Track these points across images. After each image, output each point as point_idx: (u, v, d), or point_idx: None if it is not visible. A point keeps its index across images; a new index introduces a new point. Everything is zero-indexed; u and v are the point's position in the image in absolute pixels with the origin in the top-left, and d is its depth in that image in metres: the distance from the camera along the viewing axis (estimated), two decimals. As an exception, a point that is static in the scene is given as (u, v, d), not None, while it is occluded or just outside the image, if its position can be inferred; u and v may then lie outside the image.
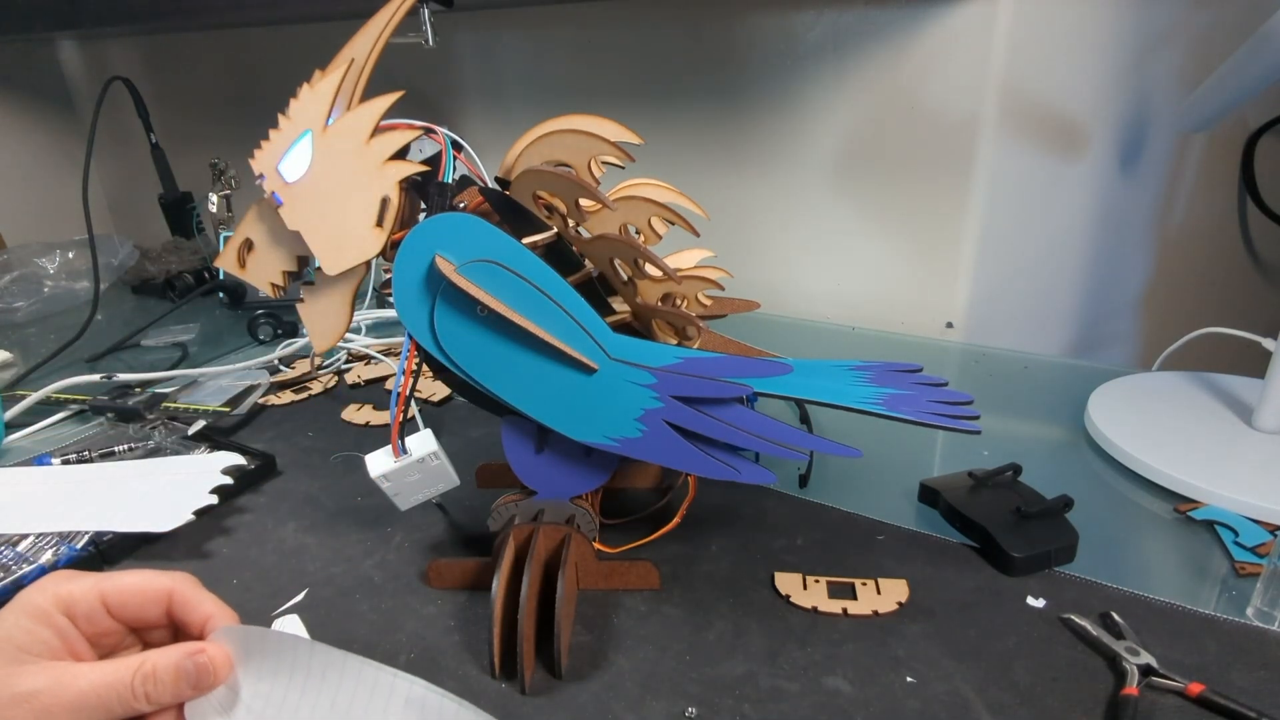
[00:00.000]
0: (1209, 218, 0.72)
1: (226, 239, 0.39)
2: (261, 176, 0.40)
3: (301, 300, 0.42)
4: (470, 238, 0.38)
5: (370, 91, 0.40)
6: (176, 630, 0.32)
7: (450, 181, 0.42)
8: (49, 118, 1.32)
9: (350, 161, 0.39)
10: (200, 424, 0.64)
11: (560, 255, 0.43)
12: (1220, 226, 0.72)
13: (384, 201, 0.39)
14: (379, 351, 0.80)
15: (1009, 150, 0.76)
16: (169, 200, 1.13)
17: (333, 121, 0.39)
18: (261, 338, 0.86)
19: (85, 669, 0.29)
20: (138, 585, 0.31)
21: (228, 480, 0.54)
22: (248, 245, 0.42)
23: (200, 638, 0.31)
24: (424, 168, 0.40)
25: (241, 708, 0.30)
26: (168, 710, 0.30)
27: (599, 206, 0.43)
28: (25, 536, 0.48)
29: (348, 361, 0.80)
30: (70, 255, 1.08)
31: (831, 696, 0.37)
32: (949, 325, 0.84)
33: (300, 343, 0.83)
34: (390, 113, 0.39)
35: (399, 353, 0.69)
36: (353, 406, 0.69)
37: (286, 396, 0.72)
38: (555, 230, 0.42)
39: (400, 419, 0.42)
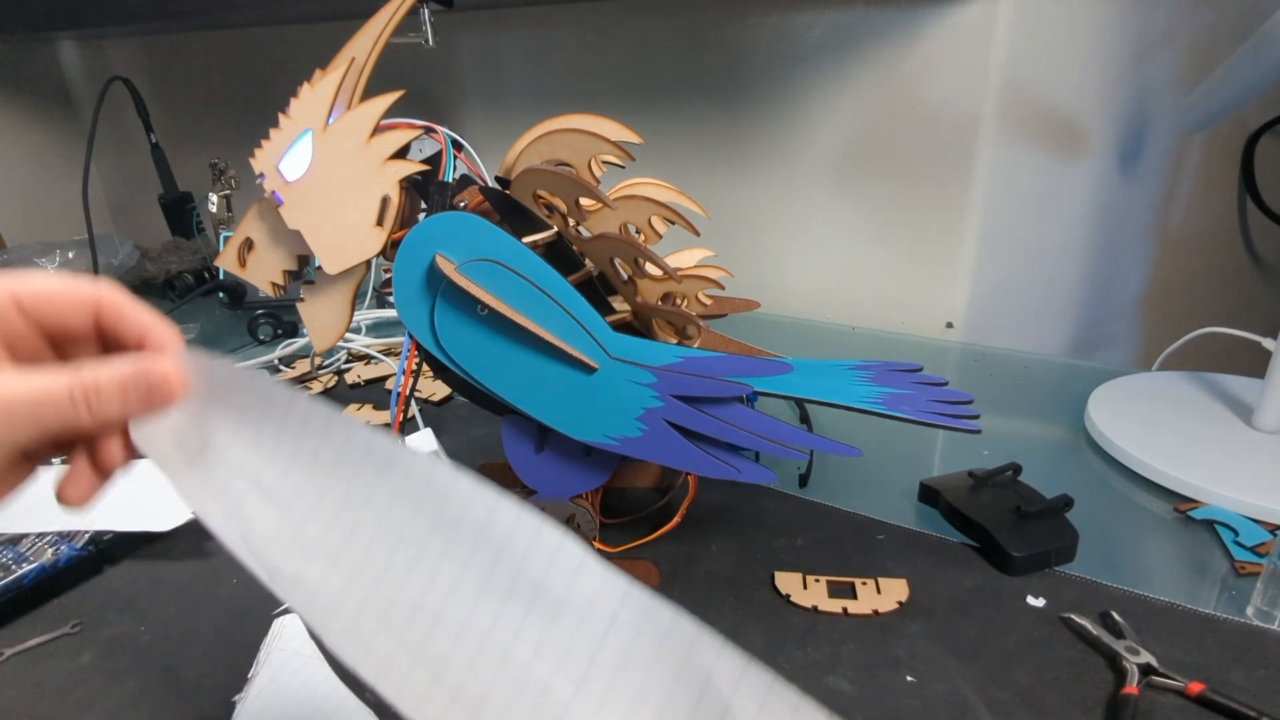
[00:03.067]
0: (1209, 218, 0.72)
1: (226, 239, 0.39)
2: (262, 175, 0.40)
3: (302, 300, 0.42)
4: (470, 237, 0.38)
5: (370, 91, 0.40)
6: (104, 347, 0.27)
7: (450, 181, 0.42)
8: (49, 118, 1.32)
9: (351, 160, 0.39)
10: (200, 424, 0.64)
11: (560, 254, 0.43)
12: (1220, 226, 0.72)
13: (384, 201, 0.39)
14: (379, 351, 0.80)
15: (1009, 150, 0.76)
16: (169, 200, 1.13)
17: (333, 121, 0.39)
18: (261, 338, 0.86)
19: (3, 375, 0.24)
20: (59, 285, 0.26)
21: (228, 480, 0.54)
22: (248, 244, 0.42)
23: None
24: (424, 167, 0.40)
25: (211, 451, 0.26)
26: (110, 435, 0.26)
27: (599, 206, 0.43)
28: (25, 535, 0.48)
29: (348, 361, 0.80)
30: (70, 255, 1.08)
31: (832, 696, 0.37)
32: (949, 325, 0.84)
33: (300, 342, 0.83)
34: (390, 112, 0.39)
35: (399, 352, 0.69)
36: (353, 406, 0.69)
37: (286, 396, 0.72)
38: (555, 229, 0.42)
39: (400, 419, 0.42)
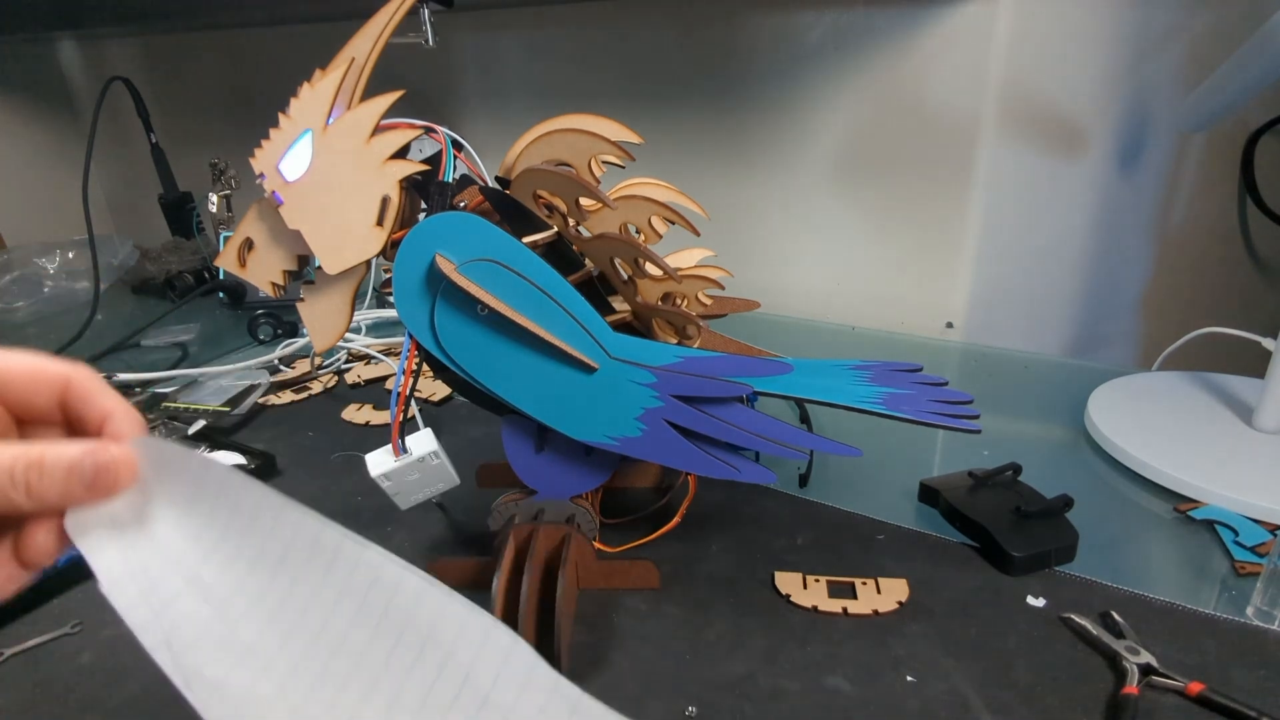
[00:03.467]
0: (1209, 218, 0.72)
1: (226, 239, 0.39)
2: (262, 175, 0.40)
3: (302, 299, 0.42)
4: (471, 237, 0.38)
5: (370, 91, 0.40)
6: (69, 429, 0.27)
7: (450, 181, 0.42)
8: (49, 118, 1.32)
9: (351, 160, 0.39)
10: (200, 424, 0.64)
11: (560, 254, 0.43)
12: (1220, 226, 0.72)
13: (384, 201, 0.39)
14: (379, 351, 0.80)
15: (1009, 150, 0.76)
16: (169, 200, 1.13)
17: (333, 121, 0.39)
18: (261, 337, 0.86)
19: None
20: (30, 364, 0.26)
21: (228, 480, 0.54)
22: (248, 244, 0.42)
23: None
24: (424, 167, 0.40)
25: (146, 544, 0.25)
26: (43, 520, 0.25)
27: (599, 206, 0.43)
28: (25, 536, 0.48)
29: (348, 361, 0.80)
30: (70, 255, 1.08)
31: (831, 696, 0.37)
32: (949, 325, 0.84)
33: (300, 342, 0.83)
34: (390, 112, 0.39)
35: (399, 352, 0.69)
36: (353, 406, 0.69)
37: (286, 396, 0.72)
38: (555, 229, 0.42)
39: (400, 418, 0.42)
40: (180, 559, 0.25)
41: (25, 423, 0.27)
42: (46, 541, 0.25)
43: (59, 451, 0.24)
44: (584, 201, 0.42)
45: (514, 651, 0.23)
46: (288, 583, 0.24)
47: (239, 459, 0.57)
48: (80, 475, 0.24)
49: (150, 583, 0.25)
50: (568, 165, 0.42)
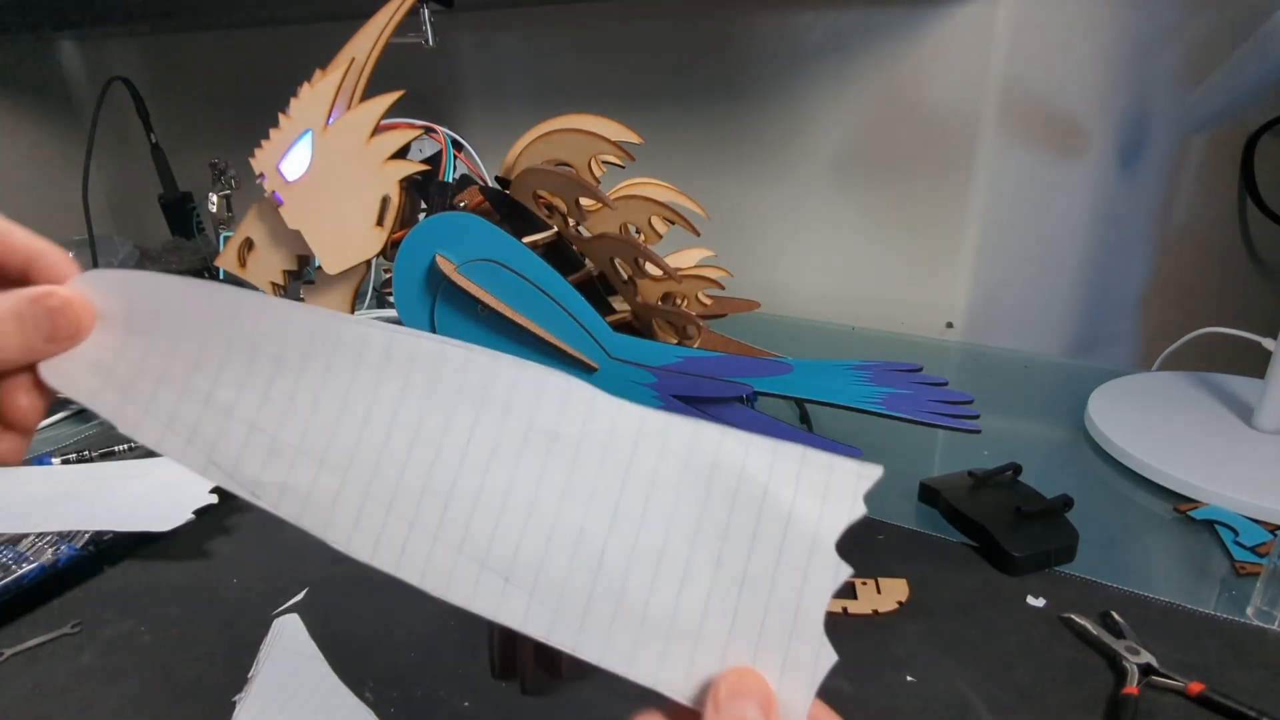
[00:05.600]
0: (1209, 218, 0.72)
1: (227, 239, 0.39)
2: (262, 175, 0.40)
3: (302, 299, 0.42)
4: (471, 237, 0.38)
5: (370, 91, 0.40)
6: None
7: (450, 181, 0.42)
8: (49, 118, 1.32)
9: (351, 160, 0.39)
10: (200, 424, 0.64)
11: (560, 254, 0.43)
12: (1220, 226, 0.72)
13: (384, 201, 0.39)
14: (379, 351, 0.80)
15: (1009, 150, 0.76)
16: (169, 200, 1.13)
17: (333, 121, 0.39)
18: (261, 337, 0.86)
19: None
20: None
21: (228, 480, 0.54)
22: (248, 244, 0.42)
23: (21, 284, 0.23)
24: (424, 167, 0.40)
25: (146, 378, 0.24)
26: (15, 380, 0.23)
27: (599, 206, 0.43)
28: (25, 536, 0.48)
29: (348, 361, 0.80)
30: (70, 255, 1.08)
31: (831, 696, 0.36)
32: (949, 325, 0.84)
33: (300, 342, 0.83)
34: (390, 112, 0.39)
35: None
36: (353, 406, 0.69)
37: (286, 396, 0.72)
38: (555, 229, 0.42)
39: (400, 418, 0.42)
40: (186, 384, 0.24)
41: None
42: (29, 401, 0.24)
43: (3, 302, 0.22)
44: (584, 201, 0.42)
45: (571, 388, 0.23)
46: (318, 381, 0.24)
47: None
48: (34, 322, 0.22)
49: (166, 413, 0.24)
50: (568, 165, 0.42)
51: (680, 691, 0.23)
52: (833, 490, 0.23)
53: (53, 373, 0.24)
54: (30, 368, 0.23)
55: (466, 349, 0.24)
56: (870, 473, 0.23)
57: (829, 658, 0.23)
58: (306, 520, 0.23)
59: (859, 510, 0.23)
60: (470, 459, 0.23)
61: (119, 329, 0.24)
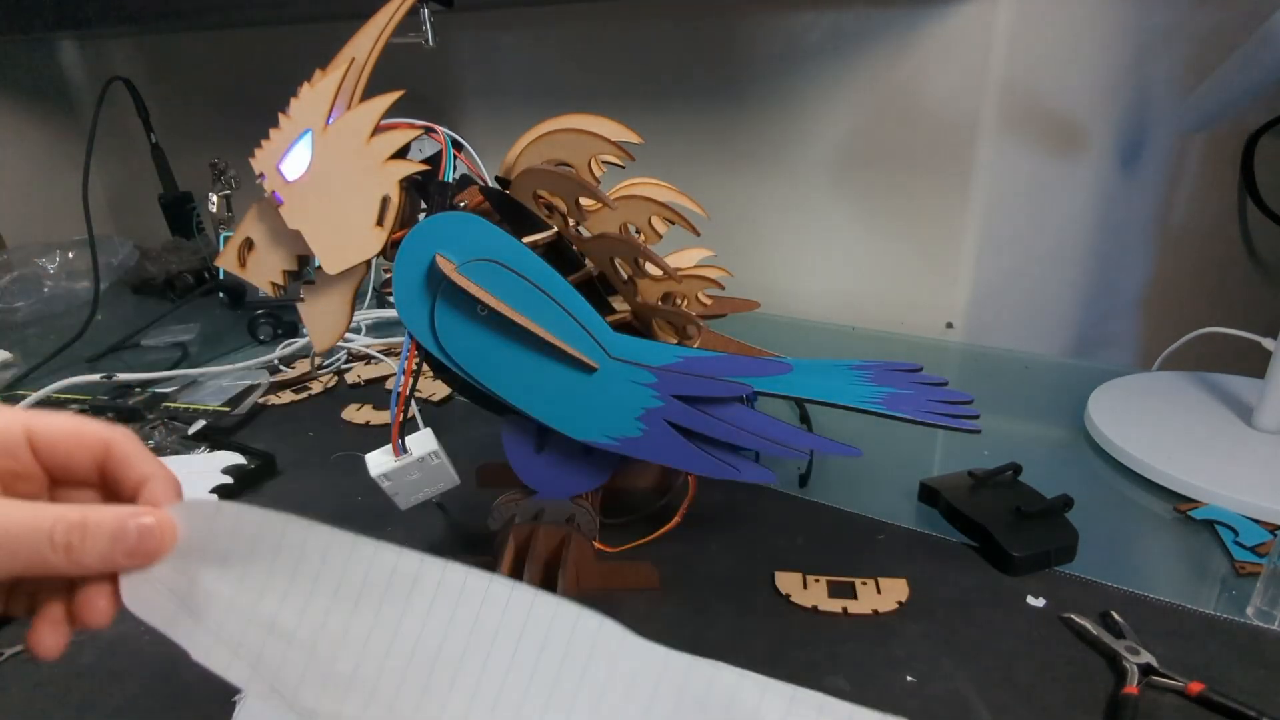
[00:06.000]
0: (1209, 218, 0.72)
1: (226, 239, 0.39)
2: (262, 175, 0.40)
3: (302, 299, 0.42)
4: (471, 237, 0.38)
5: (370, 91, 0.40)
6: (107, 494, 0.27)
7: (450, 181, 0.42)
8: (49, 118, 1.32)
9: (351, 160, 0.39)
10: (200, 424, 0.64)
11: (560, 254, 0.43)
12: (1220, 226, 0.72)
13: (384, 200, 0.39)
14: (379, 351, 0.80)
15: (1009, 150, 0.76)
16: (169, 200, 1.13)
17: (333, 121, 0.39)
18: (261, 337, 0.86)
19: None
20: (73, 426, 0.26)
21: (228, 480, 0.54)
22: (248, 244, 0.42)
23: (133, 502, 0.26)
24: (424, 167, 0.40)
25: (216, 604, 0.26)
26: (95, 585, 0.25)
27: (599, 205, 0.43)
28: (25, 536, 0.48)
29: (348, 361, 0.80)
30: (70, 255, 1.08)
31: (831, 695, 0.37)
32: (949, 325, 0.84)
33: (300, 342, 0.83)
34: (390, 112, 0.39)
35: (399, 352, 0.69)
36: (353, 406, 0.69)
37: (286, 396, 0.72)
38: (555, 229, 0.42)
39: (400, 418, 0.42)
40: (252, 610, 0.25)
41: (58, 483, 0.27)
42: (101, 606, 0.26)
43: (101, 515, 0.24)
44: (584, 201, 0.42)
45: (601, 630, 0.26)
46: (372, 614, 0.25)
47: (239, 459, 0.57)
48: (121, 540, 0.24)
49: (233, 638, 0.26)
50: (568, 165, 0.42)
51: None
52: None
53: (133, 593, 0.26)
54: (111, 577, 0.25)
55: (511, 586, 0.25)
56: None
57: None
58: None
59: None
60: (505, 697, 0.25)
61: (195, 556, 0.26)
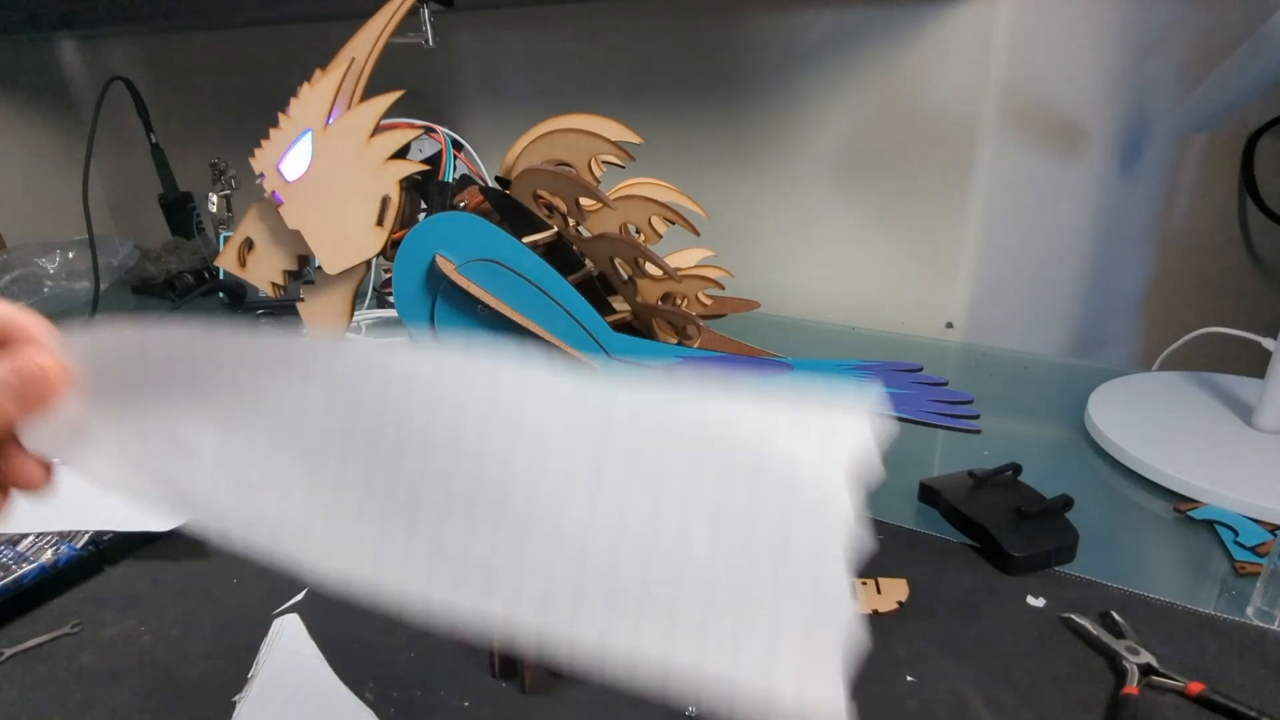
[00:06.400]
0: (1209, 218, 0.72)
1: (227, 239, 0.39)
2: (262, 175, 0.40)
3: (302, 299, 0.42)
4: (471, 237, 0.38)
5: (370, 91, 0.40)
6: None
7: (450, 181, 0.42)
8: (49, 118, 1.32)
9: (351, 160, 0.39)
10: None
11: (560, 254, 0.43)
12: (1220, 226, 0.72)
13: (384, 201, 0.39)
14: (379, 351, 0.80)
15: (1009, 150, 0.76)
16: (169, 200, 1.13)
17: (333, 121, 0.39)
18: (261, 337, 0.86)
19: None
20: None
21: (228, 480, 0.54)
22: (248, 244, 0.42)
23: None
24: (424, 167, 0.40)
25: (135, 436, 0.24)
26: (10, 449, 0.24)
27: (599, 205, 0.43)
28: (25, 536, 0.48)
29: (348, 361, 0.79)
30: (70, 255, 1.08)
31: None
32: (949, 325, 0.84)
33: (300, 342, 0.83)
34: (390, 112, 0.39)
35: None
36: (353, 406, 0.69)
37: (286, 396, 0.72)
38: (555, 229, 0.42)
39: (400, 418, 0.42)
40: (169, 437, 0.24)
41: None
42: (31, 466, 0.24)
43: None
44: (584, 201, 0.42)
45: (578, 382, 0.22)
46: (275, 403, 0.23)
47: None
48: (8, 389, 0.22)
49: (153, 472, 0.24)
50: (568, 165, 0.42)
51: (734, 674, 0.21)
52: (834, 435, 0.22)
53: (34, 438, 0.24)
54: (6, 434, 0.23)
55: (435, 356, 0.23)
56: (864, 422, 0.22)
57: (853, 604, 0.22)
58: (278, 545, 0.24)
59: (866, 452, 0.22)
60: (462, 467, 0.22)
61: (94, 389, 0.24)
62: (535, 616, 0.22)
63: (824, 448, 0.22)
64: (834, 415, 0.22)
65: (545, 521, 0.22)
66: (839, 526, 0.22)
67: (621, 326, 0.42)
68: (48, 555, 0.46)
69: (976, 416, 0.42)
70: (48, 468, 0.25)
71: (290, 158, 0.39)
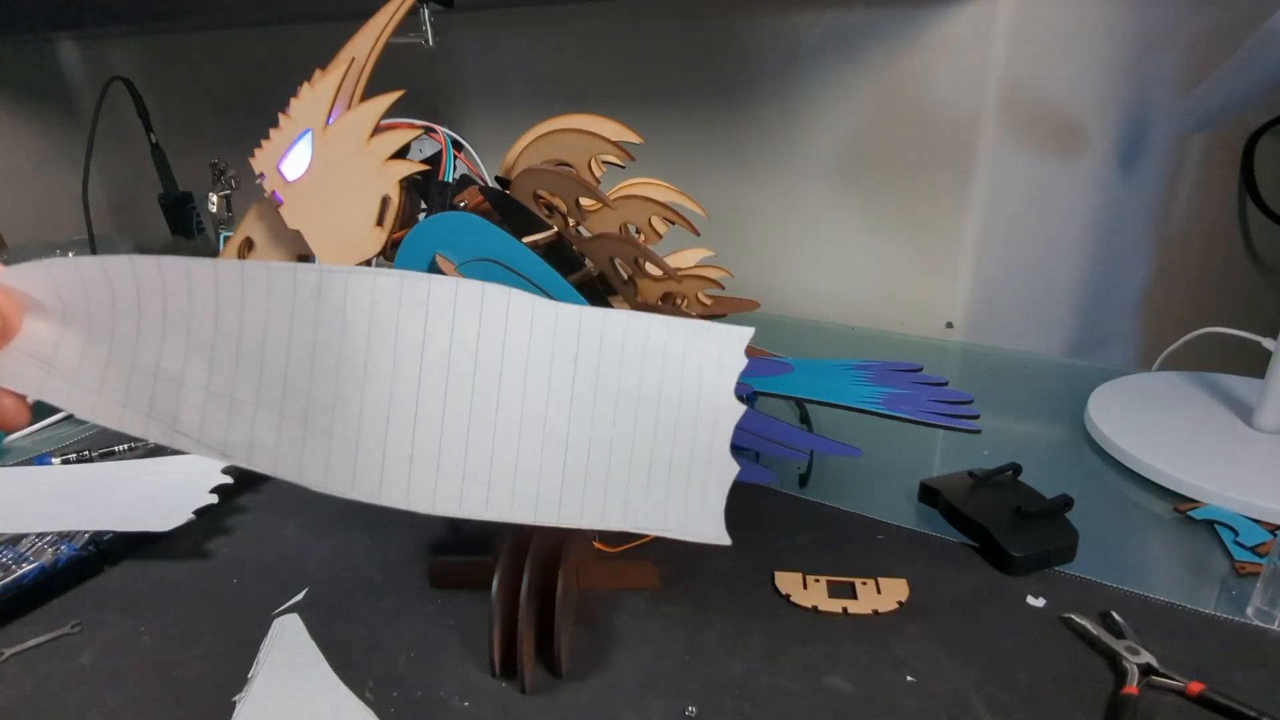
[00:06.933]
0: (1209, 218, 0.72)
1: (226, 239, 0.39)
2: (262, 175, 0.40)
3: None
4: (470, 237, 0.38)
5: (370, 91, 0.40)
6: None
7: (450, 181, 0.42)
8: (49, 118, 1.32)
9: (351, 160, 0.39)
10: (200, 424, 0.64)
11: (560, 254, 0.43)
12: (1220, 226, 0.72)
13: (384, 200, 0.39)
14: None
15: (1009, 150, 0.76)
16: (169, 200, 1.13)
17: (333, 121, 0.39)
18: (261, 337, 0.86)
19: None
20: None
21: (228, 479, 0.54)
22: (248, 244, 0.42)
23: None
24: (424, 167, 0.40)
25: (93, 360, 0.24)
26: None
27: (599, 205, 0.43)
28: (25, 536, 0.48)
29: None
30: (70, 255, 1.08)
31: (831, 696, 0.37)
32: (949, 325, 0.84)
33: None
34: (390, 112, 0.39)
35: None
36: (353, 406, 0.69)
37: (286, 396, 0.72)
38: (555, 229, 0.42)
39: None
40: (134, 360, 0.24)
41: None
42: (7, 403, 0.24)
43: None
44: (584, 201, 0.42)
45: (511, 299, 0.27)
46: (258, 330, 0.24)
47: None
48: None
49: (120, 390, 0.24)
50: (568, 165, 0.43)
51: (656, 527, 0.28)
52: (726, 352, 0.30)
53: (4, 375, 0.24)
54: None
55: (401, 276, 0.24)
56: (746, 333, 0.31)
57: (734, 468, 0.29)
58: (282, 470, 0.24)
59: (743, 362, 0.30)
60: (429, 385, 0.24)
61: (54, 319, 0.24)
62: (529, 506, 0.27)
63: (718, 361, 0.29)
64: (724, 338, 0.30)
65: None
66: (726, 417, 0.29)
67: (621, 326, 0.42)
68: (48, 555, 0.46)
69: (976, 416, 0.42)
70: (24, 403, 0.25)
71: (290, 158, 0.39)
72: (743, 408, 0.29)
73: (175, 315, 0.24)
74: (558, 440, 0.26)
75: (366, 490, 0.24)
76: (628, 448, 0.27)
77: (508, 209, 0.42)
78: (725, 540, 0.29)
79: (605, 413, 0.26)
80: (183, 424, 0.24)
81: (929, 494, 0.51)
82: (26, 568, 0.45)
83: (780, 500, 0.52)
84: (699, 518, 0.28)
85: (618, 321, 0.27)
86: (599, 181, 0.44)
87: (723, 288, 0.47)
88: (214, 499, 0.52)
